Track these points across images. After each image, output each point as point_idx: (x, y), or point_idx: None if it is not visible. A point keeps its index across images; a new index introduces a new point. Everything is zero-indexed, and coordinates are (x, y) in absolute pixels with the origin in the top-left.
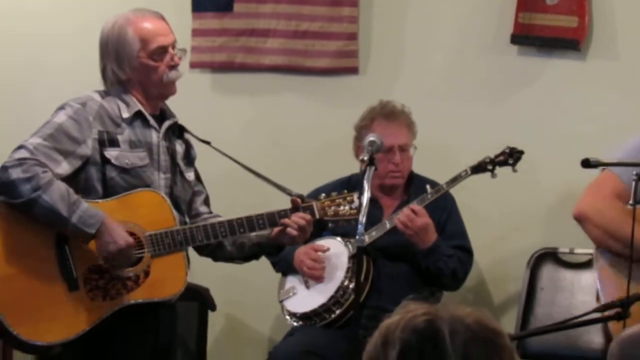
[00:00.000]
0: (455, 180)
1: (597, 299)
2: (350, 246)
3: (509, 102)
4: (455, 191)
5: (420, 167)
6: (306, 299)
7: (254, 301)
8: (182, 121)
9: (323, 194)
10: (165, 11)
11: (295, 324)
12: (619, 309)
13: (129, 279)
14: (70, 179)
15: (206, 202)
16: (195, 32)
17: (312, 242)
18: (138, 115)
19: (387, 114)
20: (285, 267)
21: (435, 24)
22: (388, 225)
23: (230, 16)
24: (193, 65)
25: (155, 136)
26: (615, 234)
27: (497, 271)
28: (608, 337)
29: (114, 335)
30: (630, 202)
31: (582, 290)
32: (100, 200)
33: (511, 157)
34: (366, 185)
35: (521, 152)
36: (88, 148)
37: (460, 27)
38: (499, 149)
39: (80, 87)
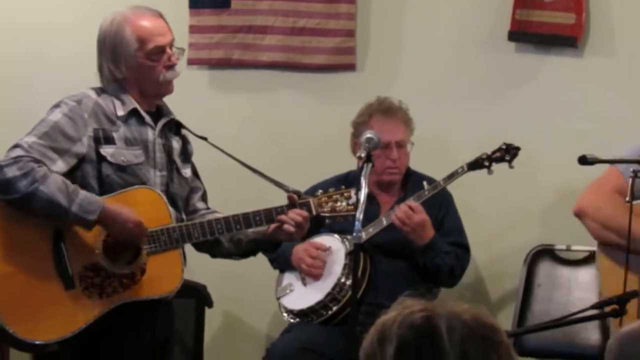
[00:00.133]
0: (452, 176)
1: (600, 294)
2: (347, 243)
3: (507, 99)
4: (452, 188)
5: (418, 163)
6: (303, 295)
7: (251, 298)
8: (179, 118)
9: (320, 190)
10: (162, 8)
11: (292, 320)
12: (616, 306)
13: (125, 277)
14: (66, 177)
15: (203, 198)
16: (193, 29)
17: (310, 239)
18: (134, 112)
19: (385, 110)
20: (282, 264)
21: (432, 21)
22: (385, 222)
23: (227, 13)
24: (190, 62)
25: (151, 134)
26: (613, 227)
27: (494, 268)
28: (605, 334)
29: (110, 332)
30: (627, 198)
31: (579, 287)
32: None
33: (508, 153)
34: (364, 182)
35: (517, 149)
36: (83, 146)
37: (458, 23)
38: (496, 146)
39: (82, 79)
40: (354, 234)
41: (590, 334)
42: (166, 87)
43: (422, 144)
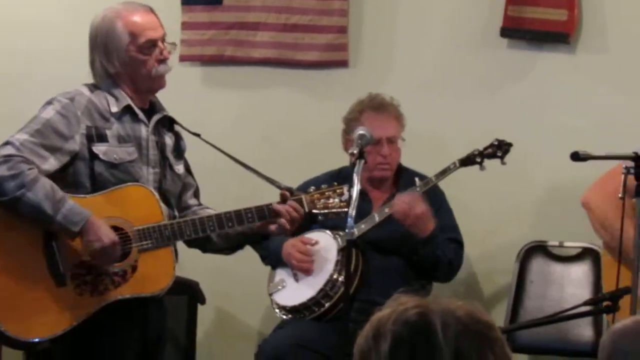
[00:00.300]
0: (444, 173)
1: (602, 288)
2: (339, 239)
3: (499, 95)
4: (444, 184)
5: (411, 160)
6: (295, 292)
7: (243, 294)
8: (172, 114)
9: (312, 187)
10: (154, 4)
11: (284, 317)
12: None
13: (117, 275)
14: (58, 174)
15: (196, 194)
16: (185, 25)
17: (301, 235)
18: (127, 109)
19: (376, 106)
20: (274, 261)
21: (425, 18)
22: (377, 218)
23: (219, 9)
24: (183, 59)
25: (144, 130)
26: (607, 228)
27: (486, 264)
28: (598, 331)
29: (102, 330)
30: (620, 195)
31: (571, 284)
32: (87, 196)
33: (499, 149)
34: (356, 179)
35: (509, 145)
36: (76, 143)
37: (451, 20)
38: (489, 142)
39: (77, 76)
40: (347, 230)
41: (583, 330)
42: (158, 82)
43: (415, 140)
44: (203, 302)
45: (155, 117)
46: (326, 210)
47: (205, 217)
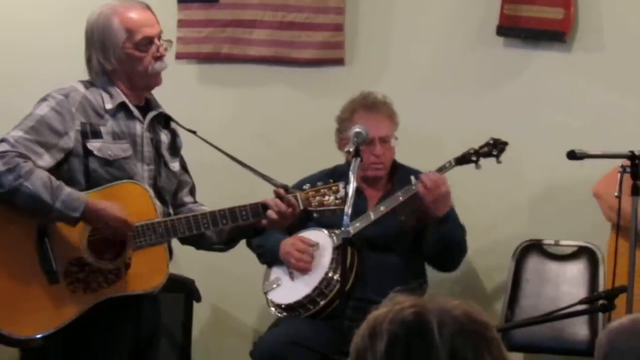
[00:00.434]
0: (439, 171)
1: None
2: (334, 237)
3: (495, 94)
4: None
5: (406, 158)
6: (290, 290)
7: (238, 292)
8: (168, 112)
9: (307, 185)
10: (151, 1)
11: (279, 315)
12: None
13: (110, 272)
14: (53, 171)
15: (192, 192)
16: (181, 23)
17: (297, 234)
18: (122, 106)
19: (369, 105)
20: (270, 259)
21: (421, 16)
22: (372, 217)
23: (216, 7)
24: (179, 56)
25: (139, 127)
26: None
27: (482, 263)
28: (594, 329)
29: (95, 327)
30: (616, 193)
31: (567, 282)
32: (82, 193)
33: (495, 148)
34: (352, 177)
35: (505, 143)
36: (70, 140)
37: (447, 18)
38: (484, 140)
39: (74, 72)
40: (342, 228)
41: (579, 328)
42: (154, 79)
43: (410, 138)
44: (199, 299)
45: (151, 114)
46: (321, 208)
47: (200, 215)
